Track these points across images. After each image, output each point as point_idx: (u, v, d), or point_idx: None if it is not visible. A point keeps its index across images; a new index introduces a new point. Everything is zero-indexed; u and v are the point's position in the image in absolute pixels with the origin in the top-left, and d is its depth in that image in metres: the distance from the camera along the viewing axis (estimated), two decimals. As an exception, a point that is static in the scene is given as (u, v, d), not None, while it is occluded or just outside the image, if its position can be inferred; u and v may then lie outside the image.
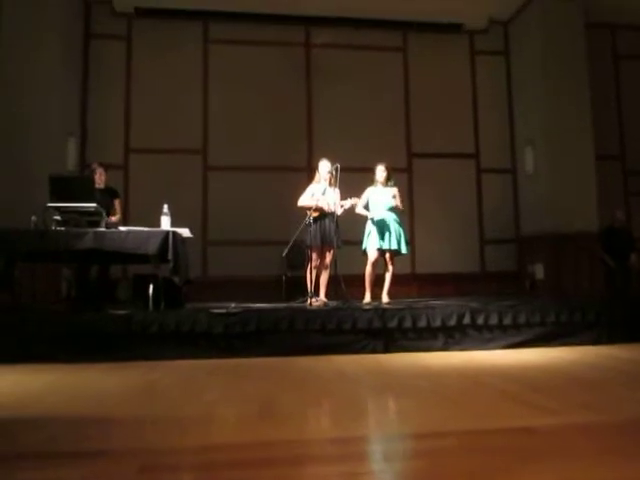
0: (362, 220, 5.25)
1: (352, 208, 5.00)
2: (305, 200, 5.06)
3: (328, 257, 5.01)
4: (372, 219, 5.06)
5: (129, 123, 7.13)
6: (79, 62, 6.98)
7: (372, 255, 5.04)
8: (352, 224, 5.28)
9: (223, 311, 4.01)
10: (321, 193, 4.94)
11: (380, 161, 5.29)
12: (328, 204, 4.92)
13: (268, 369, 3.39)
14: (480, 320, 4.10)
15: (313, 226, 4.81)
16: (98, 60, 7.12)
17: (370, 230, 5.09)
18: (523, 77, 7.58)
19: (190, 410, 2.36)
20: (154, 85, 7.16)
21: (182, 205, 6.07)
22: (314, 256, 4.89)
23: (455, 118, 7.68)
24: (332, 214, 4.90)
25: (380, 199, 5.13)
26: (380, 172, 5.19)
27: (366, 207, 5.24)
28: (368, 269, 5.07)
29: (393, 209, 5.10)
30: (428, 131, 7.55)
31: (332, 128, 7.34)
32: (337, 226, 4.90)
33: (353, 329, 3.98)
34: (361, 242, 5.18)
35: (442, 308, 4.21)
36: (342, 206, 4.98)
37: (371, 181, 5.26)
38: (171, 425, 2.12)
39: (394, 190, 5.21)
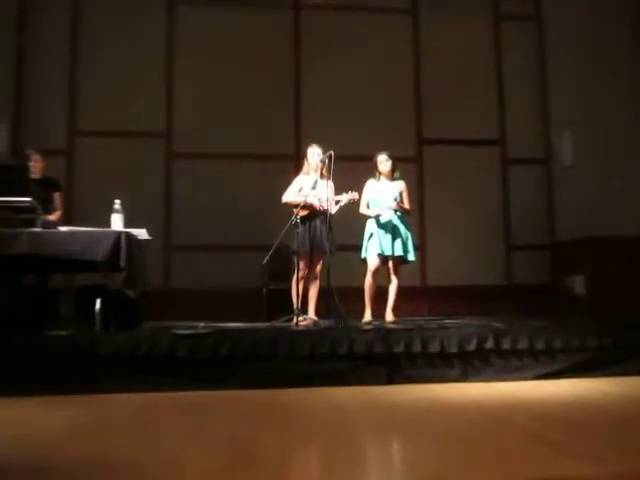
0: (361, 220, 5.24)
1: (349, 205, 4.99)
2: (291, 195, 5.04)
3: (319, 266, 5.00)
4: (378, 219, 5.08)
5: (75, 100, 7.10)
6: (11, 29, 6.95)
7: (373, 263, 5.05)
8: (349, 225, 5.28)
9: (190, 332, 3.99)
10: (311, 187, 4.95)
11: (383, 149, 5.30)
12: (319, 200, 4.91)
13: (245, 405, 3.36)
14: (506, 344, 4.09)
15: (301, 227, 4.82)
16: (36, 26, 7.08)
17: (372, 233, 5.11)
18: (560, 46, 7.58)
19: (145, 459, 2.31)
20: (106, 55, 7.14)
21: (139, 200, 6.04)
22: (302, 264, 4.89)
23: (476, 96, 7.70)
24: (324, 213, 4.89)
25: (384, 196, 5.14)
26: (384, 162, 5.20)
27: (367, 206, 5.25)
28: (368, 280, 5.07)
29: (399, 210, 5.15)
30: (442, 112, 7.57)
31: (325, 108, 7.34)
32: (330, 228, 4.90)
33: (350, 355, 3.96)
34: (359, 247, 5.18)
35: (459, 329, 4.21)
36: (337, 202, 4.97)
37: (371, 173, 5.26)
38: None
39: (401, 185, 5.23)
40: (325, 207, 4.89)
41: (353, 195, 4.97)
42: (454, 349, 4.03)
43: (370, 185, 5.27)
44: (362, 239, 5.21)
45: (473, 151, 7.64)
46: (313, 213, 4.93)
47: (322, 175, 5.08)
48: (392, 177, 5.24)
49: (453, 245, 7.34)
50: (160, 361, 3.81)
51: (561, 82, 7.54)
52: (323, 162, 4.97)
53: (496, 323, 4.56)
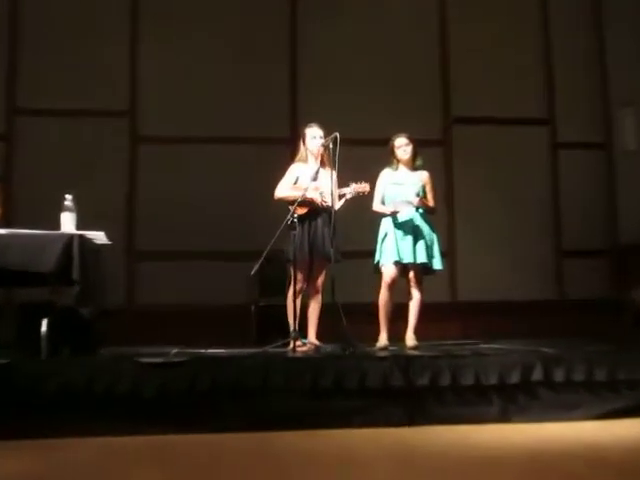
0: (374, 219, 5.23)
1: (358, 199, 4.99)
2: (286, 189, 5.03)
3: (321, 277, 4.99)
4: (395, 217, 5.10)
5: (15, 72, 7.10)
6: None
7: (389, 273, 5.06)
8: (358, 225, 5.29)
9: (159, 360, 3.96)
10: (310, 178, 4.93)
11: (401, 130, 5.29)
12: (321, 195, 4.89)
13: (228, 453, 3.33)
14: (558, 375, 4.06)
15: (298, 229, 4.81)
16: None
17: (387, 235, 5.10)
18: (619, 8, 7.59)
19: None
20: (55, 18, 7.15)
21: (96, 196, 6.05)
22: (299, 275, 4.88)
23: (517, 66, 7.73)
24: (327, 211, 4.87)
25: (403, 189, 5.15)
26: (403, 147, 5.21)
27: (382, 202, 5.25)
28: (383, 295, 5.08)
29: (422, 206, 5.14)
30: (475, 85, 7.60)
31: (328, 80, 7.38)
32: (334, 229, 4.86)
33: (361, 389, 3.93)
34: (372, 254, 5.18)
35: (499, 356, 4.19)
36: (342, 196, 4.96)
37: (387, 161, 5.27)
38: None
39: (424, 176, 5.24)
40: (328, 203, 4.87)
41: (363, 187, 4.94)
42: (493, 381, 3.99)
43: (386, 176, 5.25)
44: (375, 243, 5.20)
45: (514, 133, 7.67)
46: (313, 211, 4.92)
47: (324, 163, 5.06)
48: (413, 166, 5.23)
49: (490, 250, 7.35)
50: (122, 397, 3.77)
51: (622, 50, 7.55)
52: (325, 147, 4.95)
53: (545, 348, 4.52)
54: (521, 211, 7.53)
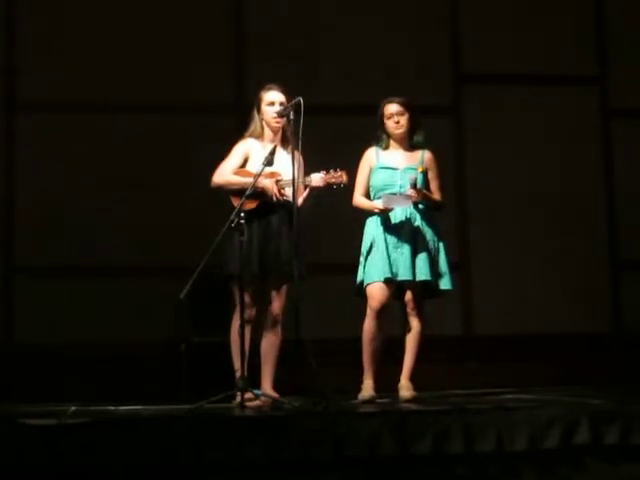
0: (355, 219, 5.25)
1: (333, 192, 5.01)
2: (226, 174, 5.06)
3: (278, 301, 5.01)
4: (385, 216, 5.12)
5: None
6: None
7: (377, 296, 5.09)
8: (332, 227, 5.27)
9: (52, 422, 3.95)
10: (263, 161, 4.93)
11: (394, 93, 5.33)
12: (278, 183, 4.92)
13: None
14: (612, 437, 4.08)
15: (246, 233, 4.78)
16: None
17: (374, 241, 5.13)
18: None
19: None
20: None
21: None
22: (247, 299, 4.88)
23: (553, 6, 7.77)
24: (285, 205, 4.93)
25: (396, 176, 5.17)
26: (395, 117, 5.23)
27: (366, 194, 5.28)
28: (369, 326, 5.11)
29: (424, 201, 5.17)
30: (495, 31, 7.64)
31: (288, 25, 7.37)
32: (297, 233, 4.87)
33: (336, 460, 3.92)
34: (352, 268, 5.20)
35: (530, 411, 4.21)
36: (307, 186, 5.00)
37: (374, 137, 5.30)
38: None
39: (425, 157, 5.27)
40: (287, 196, 4.91)
41: (337, 177, 4.95)
42: (522, 445, 4.01)
43: (370, 157, 5.30)
44: (358, 253, 5.23)
45: (550, 96, 7.74)
46: (265, 206, 4.95)
47: (284, 140, 5.10)
48: (410, 143, 5.27)
49: (516, 263, 7.41)
50: (-3, 474, 3.76)
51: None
52: (285, 116, 4.98)
53: (594, 400, 4.56)
54: (560, 206, 7.57)
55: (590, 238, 7.65)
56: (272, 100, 5.10)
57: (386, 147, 5.29)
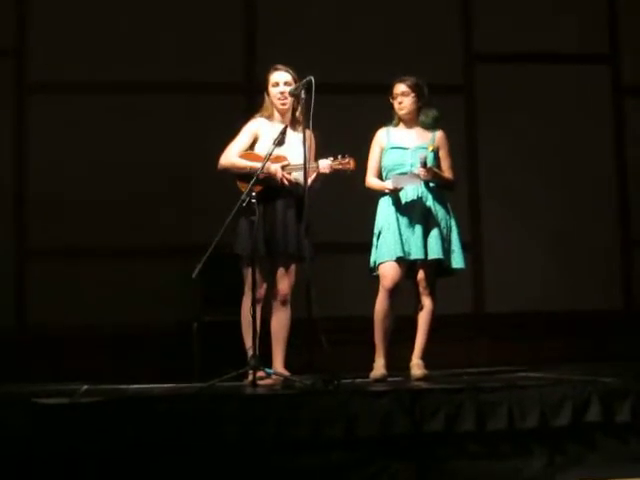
0: (367, 199, 5.26)
1: (340, 173, 5.02)
2: (233, 155, 5.06)
3: (287, 280, 5.04)
4: (396, 196, 5.13)
5: None
6: None
7: (389, 274, 5.10)
8: (342, 208, 5.25)
9: (64, 401, 3.97)
10: (273, 141, 4.92)
11: (403, 72, 5.32)
12: (286, 166, 4.93)
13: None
14: (623, 414, 4.08)
15: (256, 215, 4.79)
16: None
17: (385, 222, 5.15)
18: None
19: None
20: None
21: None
22: (258, 279, 4.89)
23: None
24: (296, 188, 4.94)
25: (407, 156, 5.18)
26: (399, 97, 5.24)
27: (379, 175, 5.29)
28: (381, 305, 5.12)
29: (434, 180, 5.16)
30: (508, 9, 7.60)
31: (299, 6, 7.36)
32: (305, 216, 4.88)
33: (349, 439, 3.93)
34: (365, 248, 5.22)
35: (541, 388, 4.20)
36: (316, 170, 5.01)
37: (386, 116, 5.29)
38: None
39: (437, 137, 5.27)
40: (293, 178, 4.93)
41: (344, 163, 4.95)
42: (533, 423, 4.01)
43: (381, 138, 5.30)
44: (369, 233, 5.25)
45: (562, 74, 7.71)
46: (274, 189, 4.95)
47: (294, 122, 5.10)
48: (421, 123, 5.26)
49: (528, 241, 7.41)
50: (12, 452, 3.73)
51: None
52: (296, 96, 4.97)
53: (605, 378, 4.55)
54: (572, 185, 7.55)
55: (602, 216, 7.63)
56: (277, 81, 5.09)
57: (396, 126, 5.29)
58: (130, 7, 7.22)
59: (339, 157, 4.98)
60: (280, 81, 5.07)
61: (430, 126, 5.25)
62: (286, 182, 4.95)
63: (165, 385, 5.00)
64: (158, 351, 6.34)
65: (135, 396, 4.42)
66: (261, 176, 4.83)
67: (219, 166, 5.11)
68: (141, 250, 6.94)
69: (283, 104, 5.06)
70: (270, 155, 4.85)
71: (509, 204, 7.44)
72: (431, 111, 5.27)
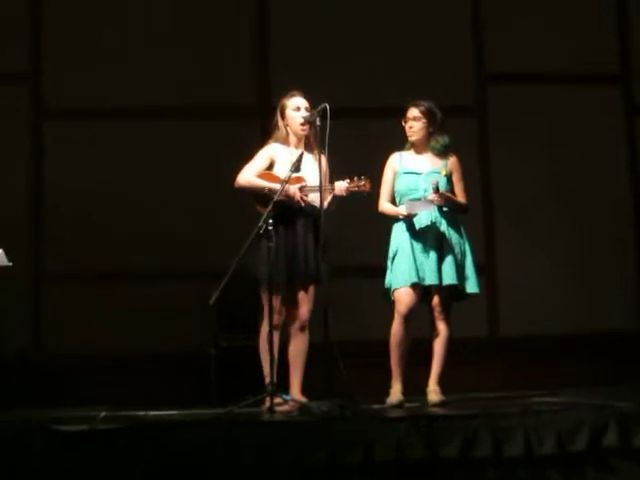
0: (381, 224, 5.27)
1: (359, 195, 5.06)
2: (251, 175, 5.09)
3: (306, 305, 5.04)
4: (410, 221, 5.14)
5: None
6: None
7: (404, 300, 5.10)
8: (359, 230, 5.25)
9: (81, 428, 3.97)
10: (290, 167, 4.93)
11: (416, 96, 5.37)
12: (301, 190, 4.96)
13: None
14: (640, 439, 4.10)
15: (274, 239, 4.82)
16: None
17: (399, 247, 5.16)
18: None
19: None
20: None
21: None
22: (276, 304, 4.92)
23: (576, 4, 7.75)
24: (313, 210, 4.96)
25: (420, 182, 5.20)
26: (410, 122, 5.26)
27: (391, 200, 5.31)
28: (397, 331, 5.13)
29: (448, 204, 5.18)
30: (520, 31, 7.62)
31: (311, 28, 7.39)
32: (324, 239, 4.90)
33: (367, 463, 3.93)
34: (380, 273, 5.24)
35: (557, 414, 4.20)
36: (332, 192, 5.04)
37: (399, 140, 5.33)
38: None
39: (450, 161, 5.28)
40: (310, 201, 4.98)
41: (360, 185, 4.99)
42: (549, 449, 4.00)
43: (394, 162, 5.32)
44: (384, 257, 5.26)
45: (574, 95, 7.69)
46: (290, 211, 4.98)
47: (309, 145, 5.14)
48: (432, 148, 5.28)
49: (544, 264, 7.36)
50: (29, 479, 3.79)
51: None
52: (311, 122, 5.00)
53: (622, 401, 4.54)
54: (587, 206, 7.51)
55: (616, 238, 7.57)
56: (298, 105, 5.12)
57: (409, 149, 5.32)
58: (143, 33, 7.26)
59: (355, 179, 5.01)
60: (302, 106, 5.10)
61: (440, 152, 5.26)
62: (303, 203, 4.98)
63: (182, 411, 5.00)
64: (175, 376, 6.34)
65: (153, 423, 4.43)
66: (279, 198, 4.85)
67: (236, 184, 5.14)
68: (158, 274, 6.95)
69: (303, 129, 5.08)
70: (289, 179, 4.88)
71: (523, 226, 7.40)
72: (442, 137, 5.27)
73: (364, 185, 5.01)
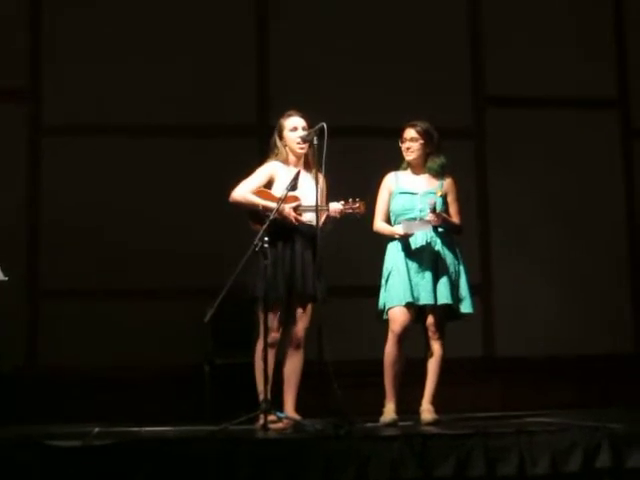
0: (376, 243, 5.29)
1: (353, 217, 5.07)
2: (245, 192, 5.09)
3: (302, 323, 5.04)
4: (406, 241, 5.14)
5: None
6: None
7: (399, 320, 5.10)
8: (354, 249, 5.24)
9: (77, 443, 3.96)
10: (287, 186, 4.94)
11: (413, 116, 5.37)
12: (296, 209, 4.99)
13: None
14: (633, 460, 4.07)
15: (271, 256, 4.83)
16: None
17: (394, 267, 5.16)
18: None
19: None
20: None
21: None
22: (272, 322, 4.92)
23: (576, 27, 7.78)
24: (310, 229, 4.96)
25: (416, 202, 5.22)
26: (407, 142, 5.28)
27: (387, 220, 5.32)
28: (390, 350, 5.12)
29: (443, 225, 5.20)
30: (518, 53, 7.67)
31: (310, 47, 7.42)
32: (320, 259, 4.93)
33: (360, 483, 3.95)
34: (373, 292, 5.24)
35: (551, 435, 4.18)
36: (327, 212, 5.05)
37: (395, 160, 5.35)
38: None
39: (446, 183, 5.31)
40: (304, 220, 4.98)
41: (354, 207, 5.01)
42: (543, 469, 4.00)
43: (389, 182, 5.35)
44: (378, 277, 5.27)
45: (572, 118, 7.73)
46: (286, 229, 4.98)
47: (307, 164, 5.15)
48: (428, 169, 5.30)
49: (539, 284, 7.38)
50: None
51: None
52: (308, 141, 5.02)
53: (616, 423, 4.51)
54: (582, 229, 7.54)
55: (612, 259, 7.61)
56: (295, 125, 5.12)
57: (405, 169, 5.34)
58: (142, 51, 7.29)
59: (350, 201, 5.02)
60: (299, 126, 5.10)
61: (437, 173, 5.27)
62: (297, 223, 4.97)
63: (177, 428, 4.98)
64: (170, 393, 6.31)
65: (147, 439, 4.41)
66: (274, 216, 4.84)
67: (231, 198, 5.13)
68: (154, 291, 6.94)
69: (302, 148, 5.09)
70: (284, 198, 4.88)
71: (519, 248, 7.42)
72: (439, 158, 5.28)
73: (358, 207, 5.03)
